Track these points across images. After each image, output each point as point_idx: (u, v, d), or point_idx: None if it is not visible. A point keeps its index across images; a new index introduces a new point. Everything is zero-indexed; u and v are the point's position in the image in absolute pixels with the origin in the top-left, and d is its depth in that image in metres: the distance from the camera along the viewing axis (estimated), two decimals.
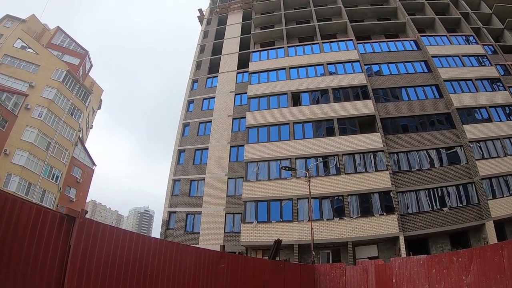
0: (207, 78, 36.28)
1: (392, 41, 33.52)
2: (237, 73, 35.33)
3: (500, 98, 28.27)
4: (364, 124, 27.46)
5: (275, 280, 11.23)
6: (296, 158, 26.26)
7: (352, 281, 13.39)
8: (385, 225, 22.93)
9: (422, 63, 31.26)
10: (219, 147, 30.50)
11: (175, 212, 28.81)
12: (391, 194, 23.85)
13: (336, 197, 24.54)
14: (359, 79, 29.59)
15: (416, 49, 32.45)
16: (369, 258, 22.06)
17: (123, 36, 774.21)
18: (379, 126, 26.71)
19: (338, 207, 24.26)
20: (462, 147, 25.93)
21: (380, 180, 24.43)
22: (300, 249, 23.37)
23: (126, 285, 5.28)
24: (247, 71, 33.34)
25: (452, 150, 26.06)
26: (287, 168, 23.09)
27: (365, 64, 30.99)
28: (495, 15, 37.14)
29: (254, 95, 30.64)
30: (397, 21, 36.37)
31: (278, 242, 13.61)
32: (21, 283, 3.88)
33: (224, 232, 26.76)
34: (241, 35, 39.25)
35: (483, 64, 30.89)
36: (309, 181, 21.39)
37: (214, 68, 37.07)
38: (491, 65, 30.42)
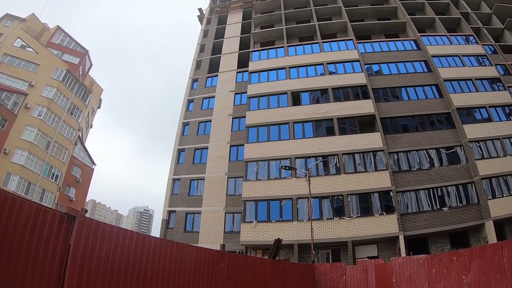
0: (207, 77, 36.25)
1: (392, 40, 33.51)
2: (237, 72, 35.29)
3: (500, 98, 28.26)
4: (364, 124, 27.45)
5: (275, 279, 11.22)
6: (296, 158, 26.25)
7: (352, 281, 13.39)
8: (384, 224, 22.94)
9: (422, 63, 31.25)
10: (219, 146, 30.49)
11: (174, 211, 28.79)
12: (391, 193, 23.85)
13: (336, 197, 24.54)
14: (359, 78, 29.58)
15: (416, 48, 32.45)
16: (369, 257, 22.06)
17: (123, 35, 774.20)
18: (379, 125, 26.70)
19: (338, 207, 24.26)
20: (462, 147, 25.93)
21: (380, 180, 24.43)
22: (300, 249, 23.36)
23: (126, 283, 5.27)
24: (247, 71, 33.32)
25: (452, 150, 26.06)
26: (287, 168, 23.10)
27: (365, 64, 30.98)
28: (495, 15, 37.12)
29: (254, 94, 30.63)
30: (397, 20, 36.37)
31: (278, 241, 13.60)
32: (21, 281, 3.88)
33: (224, 231, 26.75)
34: (241, 34, 39.22)
35: (483, 64, 30.89)
36: (309, 180, 21.38)
37: (214, 67, 37.05)
38: (491, 65, 30.41)
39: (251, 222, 24.36)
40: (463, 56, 30.99)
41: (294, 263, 16.11)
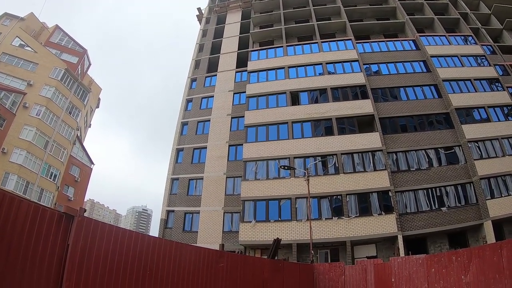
0: (206, 77, 36.21)
1: (391, 40, 33.53)
2: (236, 72, 35.27)
3: (498, 98, 28.30)
4: (362, 124, 27.46)
5: (274, 279, 11.21)
6: (294, 158, 26.23)
7: (351, 281, 13.38)
8: (383, 224, 22.94)
9: (421, 63, 31.27)
10: (217, 146, 30.45)
11: (173, 211, 28.75)
12: (390, 193, 23.86)
13: (334, 197, 24.54)
14: (358, 78, 29.58)
15: (415, 49, 32.47)
16: (368, 257, 22.07)
17: (122, 35, 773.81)
18: (378, 125, 26.71)
19: (336, 207, 24.25)
20: (460, 147, 25.94)
21: (378, 180, 24.44)
22: (299, 249, 23.36)
23: (125, 282, 5.26)
24: (246, 70, 33.30)
25: (451, 150, 26.08)
26: (286, 167, 23.08)
27: (364, 64, 30.99)
28: (494, 15, 37.15)
29: (253, 94, 30.61)
30: (396, 21, 36.38)
31: (277, 241, 13.60)
32: (20, 276, 3.88)
33: (223, 231, 26.72)
34: (240, 34, 39.20)
35: (481, 64, 30.94)
36: (308, 180, 21.36)
37: (213, 67, 37.01)
38: (490, 65, 30.45)
39: (250, 222, 24.33)
40: (462, 56, 31.03)
41: (293, 262, 16.10)
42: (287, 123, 28.04)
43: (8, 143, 32.78)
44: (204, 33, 41.99)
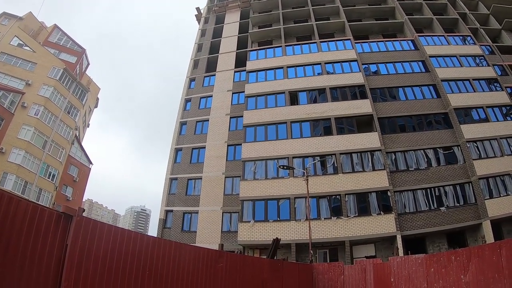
0: (205, 76, 36.18)
1: (390, 40, 33.57)
2: (235, 71, 35.25)
3: (497, 98, 28.34)
4: (361, 124, 27.47)
5: (273, 279, 11.19)
6: (293, 157, 26.22)
7: (350, 280, 13.38)
8: (382, 224, 22.95)
9: (420, 63, 31.30)
10: (216, 146, 30.42)
11: (172, 211, 28.72)
12: (389, 193, 23.87)
13: (333, 196, 24.53)
14: (356, 78, 29.60)
15: (413, 49, 32.50)
16: (366, 257, 22.09)
17: (121, 35, 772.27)
18: (377, 125, 26.72)
19: (335, 206, 24.25)
20: (459, 147, 25.97)
21: (377, 180, 24.44)
22: (298, 248, 23.35)
23: (124, 281, 5.24)
24: (245, 70, 33.31)
25: (450, 150, 26.10)
26: (284, 167, 23.08)
27: (363, 64, 31.01)
28: (492, 15, 37.21)
29: (252, 94, 30.59)
30: (395, 21, 36.41)
31: (276, 241, 13.59)
32: (18, 277, 3.86)
33: (221, 231, 26.69)
34: (238, 33, 39.18)
35: (480, 64, 31.00)
36: (307, 180, 21.35)
37: (211, 66, 36.98)
38: (489, 66, 30.52)
39: (249, 221, 24.31)
40: (460, 56, 31.07)
41: (292, 262, 16.08)
42: (286, 123, 28.03)
43: (7, 143, 32.67)
44: (203, 33, 41.95)
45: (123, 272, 5.25)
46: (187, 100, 34.82)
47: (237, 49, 37.30)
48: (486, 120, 27.07)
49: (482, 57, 31.27)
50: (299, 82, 30.46)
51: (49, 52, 40.82)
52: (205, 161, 29.96)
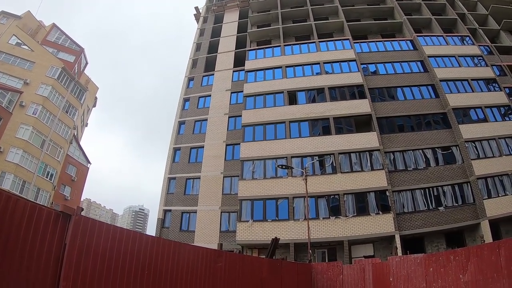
0: (203, 76, 36.13)
1: (389, 40, 33.59)
2: (233, 71, 35.22)
3: (495, 98, 28.37)
4: (360, 123, 27.49)
5: (272, 278, 11.18)
6: (292, 157, 26.21)
7: (349, 280, 13.37)
8: (381, 224, 22.97)
9: (419, 63, 31.31)
10: (214, 145, 30.39)
11: (170, 210, 28.67)
12: (387, 193, 23.89)
13: (332, 196, 24.53)
14: (355, 78, 29.61)
15: (412, 49, 32.52)
16: (365, 257, 22.10)
17: (121, 34, 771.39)
18: (375, 125, 26.73)
19: (334, 206, 24.25)
20: (457, 147, 26.00)
21: (376, 179, 24.46)
22: (296, 248, 23.35)
23: (123, 280, 5.22)
24: (243, 70, 33.28)
25: (448, 150, 26.13)
26: (283, 167, 23.07)
27: (361, 64, 31.01)
28: (491, 16, 37.26)
29: (250, 93, 30.56)
30: (394, 21, 36.42)
31: (275, 240, 13.58)
32: (16, 276, 3.86)
33: (220, 230, 26.67)
34: (237, 33, 39.14)
35: (479, 64, 31.02)
36: (306, 179, 21.34)
37: (210, 66, 36.94)
38: (487, 66, 30.53)
39: (247, 221, 24.29)
40: (459, 56, 31.10)
41: (291, 262, 16.08)
42: (284, 122, 28.02)
43: (5, 142, 32.56)
44: (201, 32, 41.90)
45: (121, 271, 5.23)
46: (186, 100, 34.77)
47: (235, 49, 37.27)
48: (485, 120, 27.11)
49: (481, 57, 31.31)
50: (298, 82, 30.45)
51: (47, 51, 40.72)
52: (203, 161, 29.92)
